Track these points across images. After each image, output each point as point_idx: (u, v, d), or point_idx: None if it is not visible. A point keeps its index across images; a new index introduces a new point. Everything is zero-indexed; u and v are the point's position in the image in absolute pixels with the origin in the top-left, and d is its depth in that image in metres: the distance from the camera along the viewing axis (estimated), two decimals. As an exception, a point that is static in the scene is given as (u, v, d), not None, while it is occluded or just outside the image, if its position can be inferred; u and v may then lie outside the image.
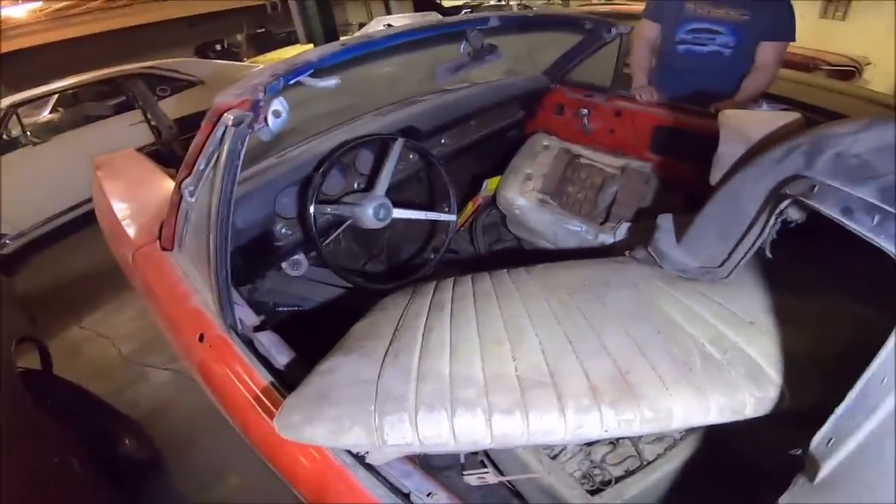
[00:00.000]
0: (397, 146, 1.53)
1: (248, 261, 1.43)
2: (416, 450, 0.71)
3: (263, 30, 11.70)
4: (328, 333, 1.65)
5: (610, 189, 1.85)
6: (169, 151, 4.20)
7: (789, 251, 1.01)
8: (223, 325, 1.10)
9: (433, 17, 10.53)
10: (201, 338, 1.20)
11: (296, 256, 1.56)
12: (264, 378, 0.99)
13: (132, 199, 1.93)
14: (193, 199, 1.18)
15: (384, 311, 1.06)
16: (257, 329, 1.14)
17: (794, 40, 1.91)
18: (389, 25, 7.92)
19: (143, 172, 2.21)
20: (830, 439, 0.51)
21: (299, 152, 1.56)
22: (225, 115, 0.94)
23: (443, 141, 1.96)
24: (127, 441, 2.04)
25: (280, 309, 1.68)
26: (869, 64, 5.83)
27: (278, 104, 0.94)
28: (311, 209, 1.37)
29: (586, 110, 2.15)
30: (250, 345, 1.07)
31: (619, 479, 0.87)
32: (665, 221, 1.16)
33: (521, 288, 1.02)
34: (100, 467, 1.68)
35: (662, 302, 0.89)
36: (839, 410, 0.52)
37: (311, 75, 1.05)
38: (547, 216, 1.75)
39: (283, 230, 1.48)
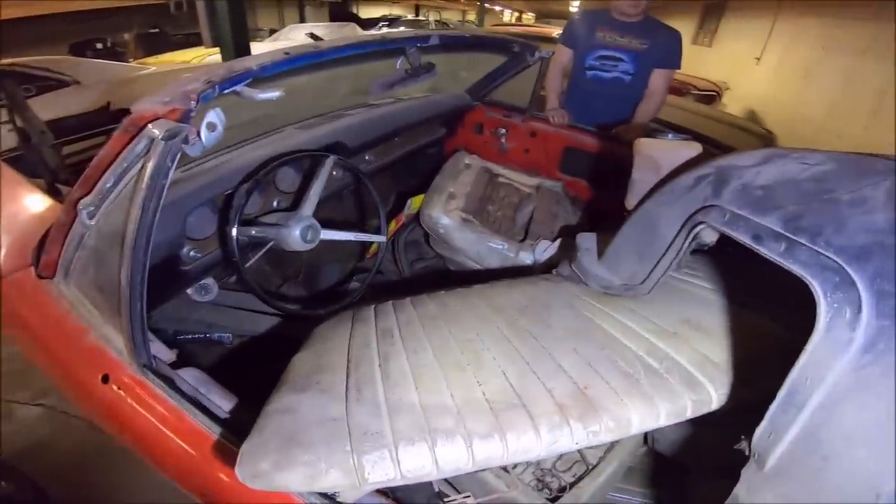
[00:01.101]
0: (328, 164, 1.45)
1: (149, 287, 1.27)
2: (397, 483, 0.68)
3: (157, 30, 10.62)
4: (243, 363, 1.53)
5: (527, 208, 1.94)
6: (38, 159, 3.60)
7: (697, 268, 1.14)
8: (136, 365, 0.97)
9: (352, 28, 10.37)
10: (105, 379, 1.04)
11: (204, 281, 1.41)
12: (198, 421, 0.88)
13: None
14: (93, 222, 1.02)
15: (326, 342, 1.01)
16: (175, 365, 1.02)
17: (679, 68, 2.16)
18: (313, 35, 7.57)
19: (4, 185, 1.87)
20: (770, 433, 0.57)
21: (211, 167, 1.41)
22: (149, 126, 0.83)
23: (367, 157, 1.92)
24: (2, 483, 1.70)
25: (181, 338, 1.52)
26: (728, 89, 6.83)
27: (213, 116, 0.85)
28: (234, 232, 1.26)
29: (504, 130, 2.25)
30: (172, 384, 0.95)
31: (572, 485, 0.91)
32: (586, 241, 1.24)
33: (468, 311, 1.03)
34: None
35: (599, 319, 0.95)
36: (773, 408, 0.58)
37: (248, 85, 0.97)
38: (470, 235, 1.78)
39: (192, 253, 1.33)
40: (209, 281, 1.42)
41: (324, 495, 0.76)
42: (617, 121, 2.12)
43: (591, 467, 0.93)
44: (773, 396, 0.60)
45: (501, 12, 23.54)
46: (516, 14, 23.42)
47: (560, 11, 17.32)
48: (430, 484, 0.86)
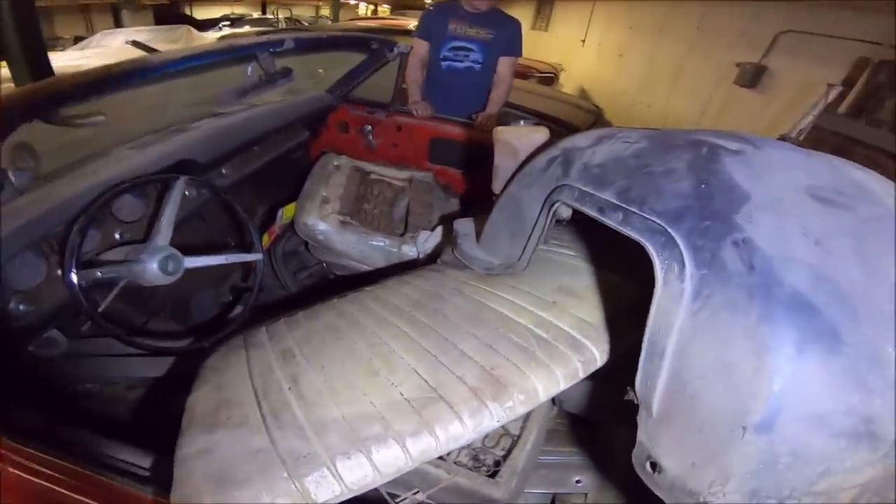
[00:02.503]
0: (179, 186, 1.28)
1: None
2: (345, 497, 0.66)
3: None
4: (127, 412, 1.32)
5: (402, 201, 1.95)
6: None
7: (561, 238, 1.25)
8: (5, 435, 0.78)
9: (187, 31, 9.10)
10: None
11: (47, 334, 1.17)
12: (98, 483, 0.76)
13: None
14: None
15: (221, 375, 0.92)
16: (52, 427, 0.85)
17: (521, 55, 2.32)
18: (137, 43, 6.39)
19: None
20: (646, 381, 0.65)
21: (26, 204, 1.16)
22: None
23: (223, 171, 1.74)
24: None
25: (46, 394, 1.25)
26: (563, 70, 7.52)
27: (25, 151, 0.69)
28: (74, 278, 1.07)
29: (370, 126, 2.22)
30: (57, 447, 0.79)
31: (504, 458, 0.95)
32: (463, 227, 1.29)
33: (365, 316, 1.00)
34: None
35: (487, 300, 0.99)
36: (641, 359, 0.66)
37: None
38: (350, 236, 1.74)
39: (21, 307, 1.10)
40: (53, 333, 1.18)
41: None
42: (474, 107, 2.22)
43: (516, 438, 0.98)
44: (640, 348, 0.68)
45: (356, 6, 22.89)
46: (371, 7, 22.94)
47: (415, 3, 17.31)
48: (376, 490, 0.84)
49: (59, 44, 9.17)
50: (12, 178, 0.71)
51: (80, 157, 1.42)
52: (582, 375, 0.85)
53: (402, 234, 1.77)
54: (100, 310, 1.15)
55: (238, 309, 1.77)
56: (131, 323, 1.56)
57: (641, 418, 0.67)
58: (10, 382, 1.18)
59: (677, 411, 0.62)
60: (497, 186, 1.25)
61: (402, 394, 0.78)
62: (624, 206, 0.72)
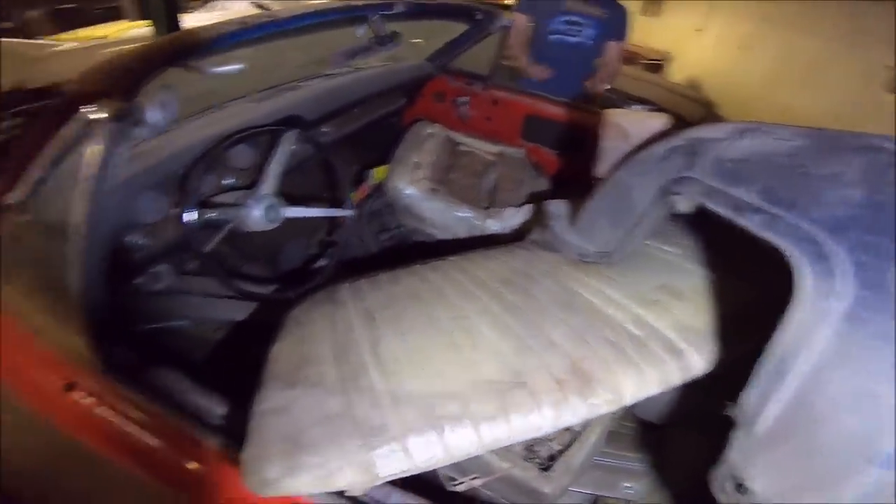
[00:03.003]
0: (289, 138, 1.35)
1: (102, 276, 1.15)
2: (408, 474, 0.65)
3: (74, 5, 9.37)
4: (212, 353, 1.44)
5: (490, 175, 1.91)
6: None
7: (665, 234, 1.15)
8: (102, 370, 0.87)
9: None
10: (70, 387, 0.93)
11: (156, 268, 1.29)
12: (180, 424, 0.81)
13: None
14: (23, 219, 0.89)
15: (303, 328, 0.94)
16: (143, 365, 0.93)
17: (626, 41, 2.23)
18: (260, 5, 6.82)
19: None
20: (759, 398, 0.58)
21: (158, 147, 1.25)
22: (88, 108, 0.72)
23: (325, 130, 1.81)
24: None
25: (143, 328, 1.38)
26: (672, 59, 6.97)
27: (165, 94, 0.74)
28: (189, 216, 1.16)
29: (466, 98, 2.18)
30: (145, 386, 0.86)
31: (561, 452, 0.91)
32: (557, 207, 1.23)
33: (449, 286, 0.98)
34: None
35: (580, 288, 0.93)
36: (760, 374, 0.58)
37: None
38: (437, 204, 1.73)
39: (141, 241, 1.21)
40: (162, 268, 1.30)
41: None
42: (580, 85, 2.12)
43: (577, 435, 0.94)
44: (752, 360, 0.60)
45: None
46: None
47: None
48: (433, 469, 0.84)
49: (189, 7, 9.97)
50: (152, 119, 0.74)
51: (205, 107, 1.53)
52: (676, 383, 0.78)
53: (486, 208, 1.74)
54: (206, 249, 1.24)
55: (322, 261, 1.86)
56: (229, 265, 1.68)
57: (739, 436, 0.61)
58: (114, 314, 1.32)
59: (792, 434, 0.56)
60: (601, 170, 1.17)
61: (483, 374, 0.75)
62: (768, 207, 0.63)
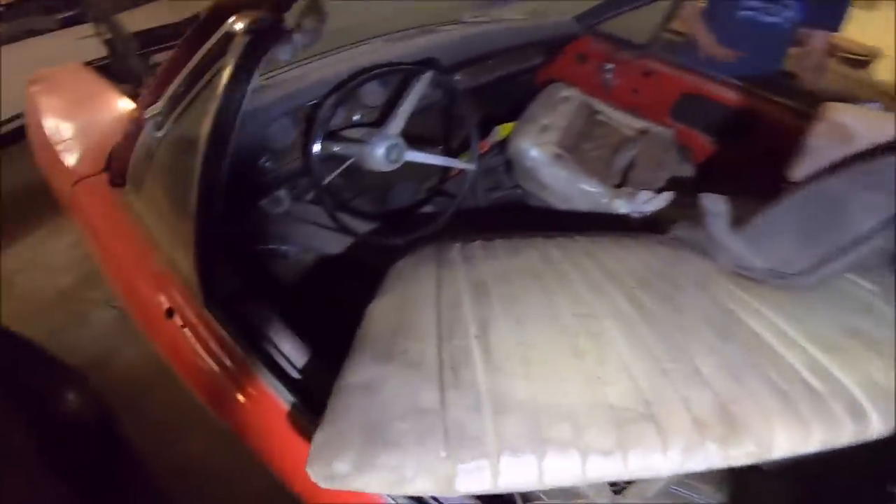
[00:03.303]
0: (424, 80, 1.30)
1: (230, 198, 1.19)
2: (488, 493, 0.57)
3: None
4: (312, 283, 1.46)
5: (627, 152, 1.68)
6: (123, 68, 3.54)
7: (869, 265, 0.91)
8: (202, 301, 0.87)
9: None
10: (169, 313, 0.95)
11: (278, 192, 1.34)
12: (265, 380, 0.80)
13: (73, 118, 1.55)
14: (161, 133, 0.91)
15: (409, 287, 0.86)
16: (244, 297, 0.93)
17: (838, 31, 1.82)
18: None
19: (89, 89, 1.77)
20: None
21: (295, 76, 1.28)
22: (232, 19, 0.67)
23: (457, 78, 1.70)
24: (69, 397, 1.67)
25: (252, 249, 1.44)
26: (879, 56, 5.77)
27: (313, 14, 0.68)
28: (317, 146, 1.17)
29: (612, 65, 1.94)
30: (238, 328, 0.86)
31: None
32: (713, 204, 1.02)
33: (575, 272, 0.84)
34: (36, 446, 1.32)
35: (742, 312, 0.75)
36: None
37: None
38: (561, 172, 1.56)
39: (269, 164, 1.25)
40: (282, 193, 1.35)
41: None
42: (762, 72, 1.77)
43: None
44: None
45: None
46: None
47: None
48: None
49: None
50: (297, 39, 0.68)
51: (343, 43, 1.52)
52: (843, 443, 0.61)
53: (617, 186, 1.55)
54: (325, 182, 1.24)
55: (429, 207, 1.81)
56: (341, 199, 1.70)
57: None
58: (234, 235, 1.37)
59: None
60: (800, 172, 0.94)
61: (607, 395, 0.62)
62: None
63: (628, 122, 1.78)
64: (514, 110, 1.79)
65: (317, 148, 1.17)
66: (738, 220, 0.94)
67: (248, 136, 1.18)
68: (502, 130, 1.75)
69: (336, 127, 1.36)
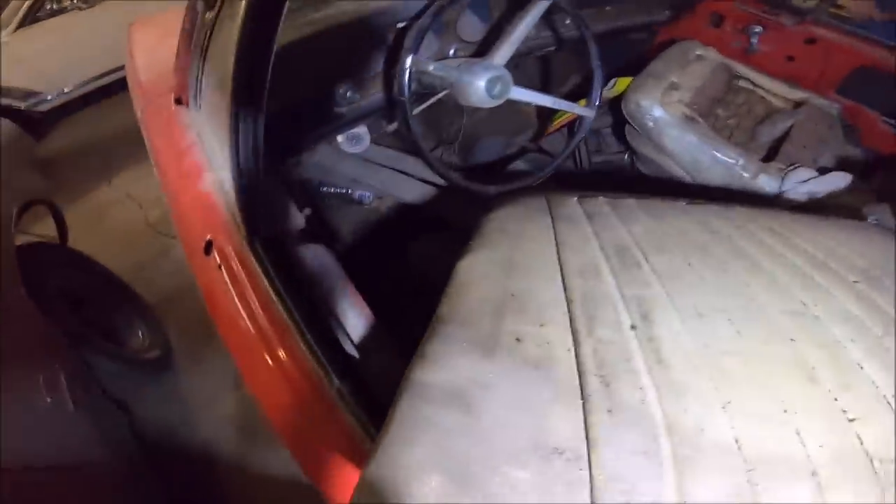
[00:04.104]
0: (541, 6, 1.09)
1: (299, 128, 1.05)
2: None
3: None
4: (383, 234, 1.27)
5: (778, 124, 1.35)
6: None
7: None
8: (244, 233, 0.71)
9: None
10: (208, 248, 0.80)
11: (357, 129, 1.18)
12: (305, 346, 0.61)
13: (159, 51, 1.49)
14: (209, 32, 0.80)
15: (516, 243, 0.63)
16: (302, 235, 0.77)
17: None
18: None
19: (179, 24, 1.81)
20: None
21: None
22: None
23: (567, 22, 1.47)
24: (139, 334, 1.71)
25: (325, 189, 1.31)
26: None
27: None
28: (409, 62, 0.98)
29: (760, 28, 1.61)
30: (285, 269, 0.69)
31: None
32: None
33: (763, 250, 0.59)
34: (95, 390, 1.33)
35: None
36: None
37: None
38: (691, 137, 1.28)
39: (350, 93, 1.10)
40: (362, 130, 1.19)
41: None
42: None
43: None
44: None
45: None
46: None
47: None
48: None
49: None
50: None
51: None
52: None
53: (763, 160, 1.23)
54: (415, 112, 1.06)
55: (520, 166, 1.57)
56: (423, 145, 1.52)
57: None
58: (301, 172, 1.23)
59: None
60: None
61: (859, 437, 0.38)
62: None
63: (781, 91, 1.46)
64: (626, 70, 1.53)
65: (409, 62, 0.99)
66: None
67: (330, 57, 1.03)
68: (619, 84, 1.48)
69: (429, 58, 1.17)
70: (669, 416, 0.39)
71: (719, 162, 1.23)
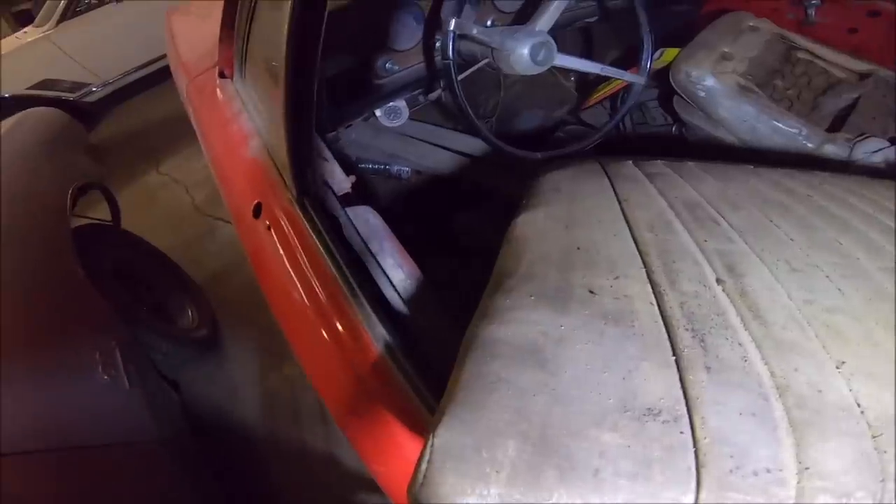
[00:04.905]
0: None
1: (337, 100, 1.03)
2: None
3: None
4: (424, 206, 1.26)
5: (842, 95, 1.27)
6: None
7: None
8: (294, 194, 0.71)
9: None
10: (257, 211, 0.79)
11: (395, 103, 1.16)
12: (357, 307, 0.59)
13: (197, 31, 1.53)
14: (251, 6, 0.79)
15: (575, 200, 0.59)
16: (348, 199, 0.75)
17: None
18: None
19: (215, 9, 1.86)
20: None
21: None
22: None
23: None
24: (189, 312, 1.74)
25: (363, 166, 1.30)
26: None
27: None
28: (453, 25, 0.96)
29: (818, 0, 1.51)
30: (334, 229, 0.67)
31: None
32: None
33: (848, 209, 0.53)
34: (149, 368, 1.35)
35: None
36: None
37: None
38: (748, 107, 1.21)
39: (389, 65, 1.09)
40: (401, 104, 1.17)
41: None
42: None
43: None
44: None
45: None
46: None
47: None
48: None
49: None
50: None
51: None
52: None
53: (828, 130, 1.15)
54: (459, 78, 1.02)
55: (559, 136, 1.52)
56: (455, 118, 1.49)
57: None
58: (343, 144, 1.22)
59: None
60: None
61: None
62: None
63: (844, 63, 1.37)
64: (669, 42, 1.46)
65: (453, 24, 0.97)
66: None
67: (370, 27, 1.03)
68: (667, 55, 1.41)
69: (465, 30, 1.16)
70: (778, 375, 0.34)
71: (780, 132, 1.16)
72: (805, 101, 1.27)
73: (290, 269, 0.72)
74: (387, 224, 0.73)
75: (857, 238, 0.49)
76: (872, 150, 1.05)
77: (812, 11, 1.54)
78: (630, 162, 0.72)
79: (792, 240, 0.49)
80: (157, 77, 3.67)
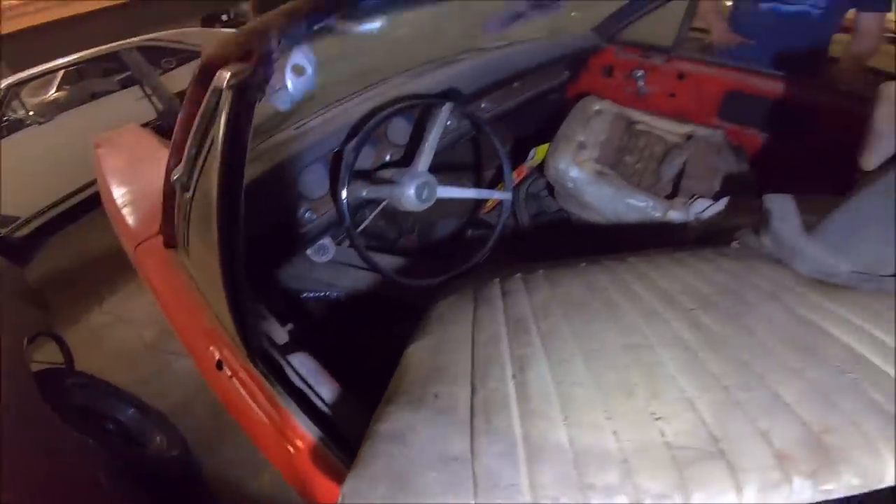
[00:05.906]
0: (444, 111, 1.27)
1: (270, 249, 1.20)
2: None
3: None
4: (361, 325, 1.42)
5: (675, 160, 1.58)
6: (170, 125, 3.86)
7: None
8: (245, 353, 0.88)
9: None
10: (219, 365, 0.97)
11: (322, 241, 1.33)
12: (302, 424, 0.80)
13: (133, 181, 1.66)
14: (189, 193, 0.92)
15: (446, 329, 0.82)
16: (286, 349, 0.93)
17: (890, 10, 1.60)
18: None
19: (145, 149, 1.93)
20: None
21: (320, 122, 1.30)
22: (219, 73, 0.64)
23: (483, 105, 1.70)
24: (157, 438, 1.86)
25: (305, 295, 1.46)
26: None
27: (301, 57, 0.65)
28: (344, 193, 1.14)
29: (642, 71, 1.87)
30: (279, 377, 0.86)
31: None
32: (779, 205, 0.92)
33: (624, 297, 0.77)
34: (128, 475, 1.49)
35: (826, 323, 0.64)
36: None
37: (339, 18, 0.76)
38: (606, 189, 1.49)
39: (308, 214, 1.24)
40: (326, 241, 1.35)
41: None
42: (797, 66, 1.63)
43: None
44: None
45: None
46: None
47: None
48: None
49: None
50: (289, 85, 0.66)
51: (369, 83, 1.54)
52: None
53: (668, 197, 1.45)
54: (362, 226, 1.22)
55: (463, 243, 1.76)
56: (384, 239, 1.70)
57: None
58: (277, 286, 1.39)
59: None
60: (872, 161, 0.83)
61: (663, 433, 0.54)
62: None
63: (671, 128, 1.69)
64: (550, 130, 1.74)
65: (344, 194, 1.15)
66: (811, 221, 0.83)
67: (285, 187, 1.19)
68: (538, 152, 1.71)
69: (368, 168, 1.36)
70: (525, 431, 0.58)
71: (634, 208, 1.43)
72: (651, 172, 1.57)
73: (254, 408, 0.90)
74: (327, 348, 0.93)
75: (619, 323, 0.73)
76: (701, 210, 1.34)
77: (641, 83, 1.90)
78: (497, 280, 0.95)
79: (574, 335, 0.72)
80: (90, 204, 3.51)
